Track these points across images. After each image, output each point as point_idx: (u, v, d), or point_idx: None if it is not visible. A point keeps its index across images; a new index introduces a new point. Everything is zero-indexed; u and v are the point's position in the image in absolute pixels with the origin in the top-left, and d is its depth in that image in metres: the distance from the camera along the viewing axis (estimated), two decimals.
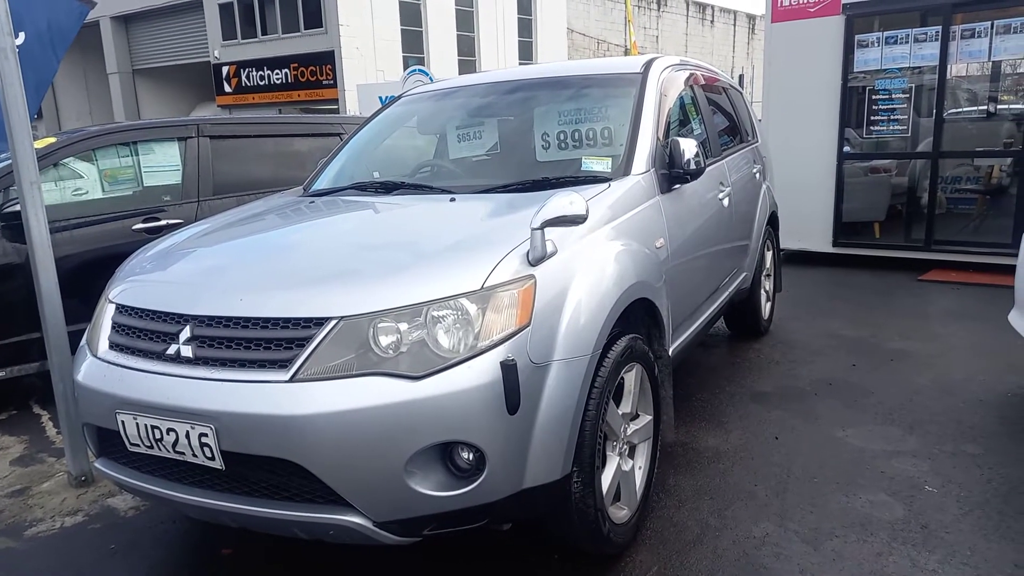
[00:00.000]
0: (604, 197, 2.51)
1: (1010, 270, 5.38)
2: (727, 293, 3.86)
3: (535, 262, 2.01)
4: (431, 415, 1.80)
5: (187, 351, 1.95)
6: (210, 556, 2.54)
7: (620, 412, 2.36)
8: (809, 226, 6.87)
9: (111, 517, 2.81)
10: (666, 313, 2.70)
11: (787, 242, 6.61)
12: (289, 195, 3.22)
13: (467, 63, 21.58)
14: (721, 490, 2.77)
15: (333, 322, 1.85)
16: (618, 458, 2.35)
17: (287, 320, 1.88)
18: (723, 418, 3.45)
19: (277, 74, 19.21)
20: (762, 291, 4.64)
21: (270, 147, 4.99)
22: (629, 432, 2.43)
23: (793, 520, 2.53)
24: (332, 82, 18.40)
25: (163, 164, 4.55)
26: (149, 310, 2.10)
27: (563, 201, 2.02)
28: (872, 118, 6.64)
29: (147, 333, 2.07)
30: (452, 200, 2.59)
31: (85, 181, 4.36)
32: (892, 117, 6.55)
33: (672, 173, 2.89)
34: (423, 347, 1.84)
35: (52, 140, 4.27)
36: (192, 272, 2.27)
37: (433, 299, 1.87)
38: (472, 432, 1.83)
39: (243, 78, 19.94)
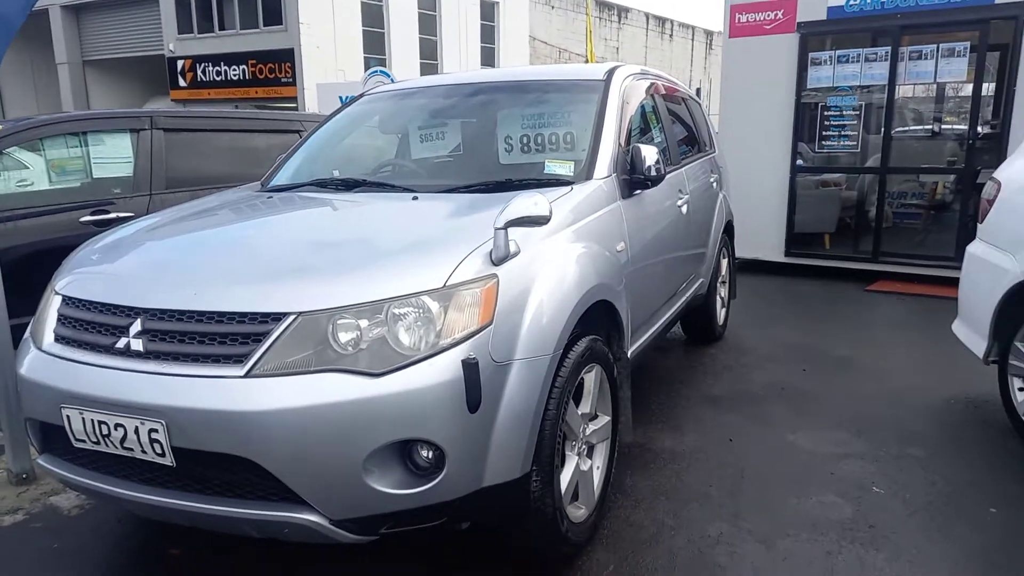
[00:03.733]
0: (567, 200, 2.52)
1: (952, 282, 5.58)
2: (684, 298, 3.92)
3: (498, 261, 2.01)
4: (390, 412, 1.78)
5: (137, 345, 1.90)
6: (158, 556, 2.46)
7: (579, 412, 2.37)
8: (762, 236, 7.03)
9: (54, 516, 2.70)
10: (625, 315, 2.73)
11: (741, 251, 6.73)
12: (245, 190, 3.16)
13: (429, 66, 21.52)
14: (677, 490, 2.81)
15: (291, 317, 1.82)
16: (577, 458, 2.36)
17: (243, 315, 1.84)
18: (678, 420, 3.49)
19: (234, 70, 18.84)
20: (717, 297, 4.73)
21: (226, 142, 4.89)
22: (588, 432, 2.44)
23: (746, 520, 2.58)
24: (291, 80, 18.14)
25: (114, 156, 4.41)
26: (98, 302, 2.03)
27: (527, 202, 2.02)
28: (824, 133, 6.84)
29: (95, 326, 2.01)
30: (415, 199, 2.58)
31: (31, 171, 4.21)
32: (843, 133, 6.75)
33: (633, 179, 2.92)
34: (383, 344, 1.83)
35: None
36: (144, 264, 2.21)
37: (394, 296, 1.85)
38: (432, 430, 1.82)
39: (199, 73, 19.51)
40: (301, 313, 1.82)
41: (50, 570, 2.38)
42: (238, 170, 4.77)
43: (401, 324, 1.85)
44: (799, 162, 6.95)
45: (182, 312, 1.89)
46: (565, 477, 2.27)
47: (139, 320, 1.92)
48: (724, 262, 4.90)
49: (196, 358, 1.84)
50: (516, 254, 2.08)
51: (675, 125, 4.11)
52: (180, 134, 4.62)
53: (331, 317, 1.82)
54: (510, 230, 2.04)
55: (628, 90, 3.35)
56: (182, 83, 19.92)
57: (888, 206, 6.84)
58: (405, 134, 3.64)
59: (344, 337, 1.82)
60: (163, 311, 1.91)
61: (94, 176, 4.33)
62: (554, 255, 2.26)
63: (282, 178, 3.29)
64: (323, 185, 3.01)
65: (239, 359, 1.80)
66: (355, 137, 3.69)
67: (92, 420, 1.88)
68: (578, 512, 2.37)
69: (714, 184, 4.54)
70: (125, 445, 1.86)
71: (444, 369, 1.82)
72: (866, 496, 2.75)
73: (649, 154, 2.90)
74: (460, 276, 1.92)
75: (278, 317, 1.82)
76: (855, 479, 2.89)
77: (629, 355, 2.85)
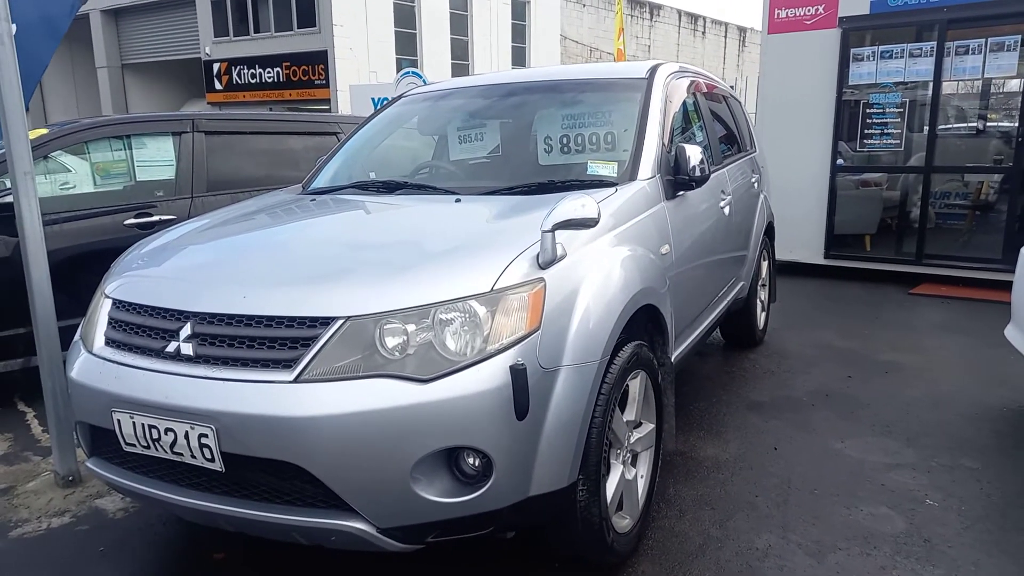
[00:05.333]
0: (611, 202, 2.48)
1: (999, 285, 5.40)
2: (725, 302, 3.85)
3: (545, 265, 1.97)
4: (438, 419, 1.76)
5: (187, 349, 1.90)
6: (202, 560, 2.47)
7: (624, 420, 2.33)
8: (801, 238, 6.89)
9: (100, 518, 2.73)
10: (670, 320, 2.68)
11: (779, 253, 6.59)
12: (288, 193, 3.17)
13: (460, 67, 21.57)
14: (722, 500, 2.75)
15: (340, 322, 1.80)
16: (622, 466, 2.32)
17: (292, 319, 1.84)
18: (721, 428, 3.43)
19: (269, 72, 19.08)
20: (758, 301, 4.64)
21: (266, 144, 4.93)
22: (632, 440, 2.40)
23: (795, 532, 2.51)
24: (324, 82, 18.31)
25: (156, 159, 4.48)
26: (148, 306, 2.05)
27: (575, 204, 1.99)
28: (865, 132, 6.68)
29: (145, 329, 2.02)
30: (457, 201, 2.56)
31: (76, 174, 4.29)
32: (885, 131, 6.59)
33: (677, 179, 2.87)
34: (430, 349, 1.80)
35: (44, 132, 4.19)
36: (192, 268, 2.22)
37: (441, 300, 1.83)
38: (479, 437, 1.79)
39: (234, 75, 19.79)
40: (350, 317, 1.81)
41: (96, 572, 2.40)
42: (277, 172, 4.81)
43: (448, 329, 1.82)
44: (840, 161, 6.80)
45: (231, 316, 1.89)
46: (611, 486, 2.23)
47: (189, 324, 1.92)
48: (764, 264, 4.81)
49: (246, 362, 1.84)
50: (563, 257, 2.05)
51: (716, 124, 4.03)
52: (220, 137, 4.67)
53: (378, 321, 1.81)
54: (556, 233, 2.01)
55: (670, 88, 3.29)
56: (218, 86, 20.22)
57: (931, 206, 6.66)
58: (444, 136, 3.63)
59: (391, 342, 1.80)
60: (212, 315, 1.91)
61: (137, 179, 4.40)
62: (600, 258, 2.22)
63: (323, 181, 3.29)
64: (364, 187, 3.01)
65: (288, 364, 1.80)
66: (393, 139, 3.69)
67: (143, 424, 1.89)
68: (623, 522, 2.33)
69: (755, 184, 4.46)
70: (175, 450, 1.86)
71: (492, 375, 1.79)
72: (919, 508, 2.66)
73: (694, 154, 2.84)
74: (507, 280, 1.89)
75: (326, 321, 1.81)
76: (907, 490, 2.80)
77: (673, 360, 2.80)
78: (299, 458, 1.74)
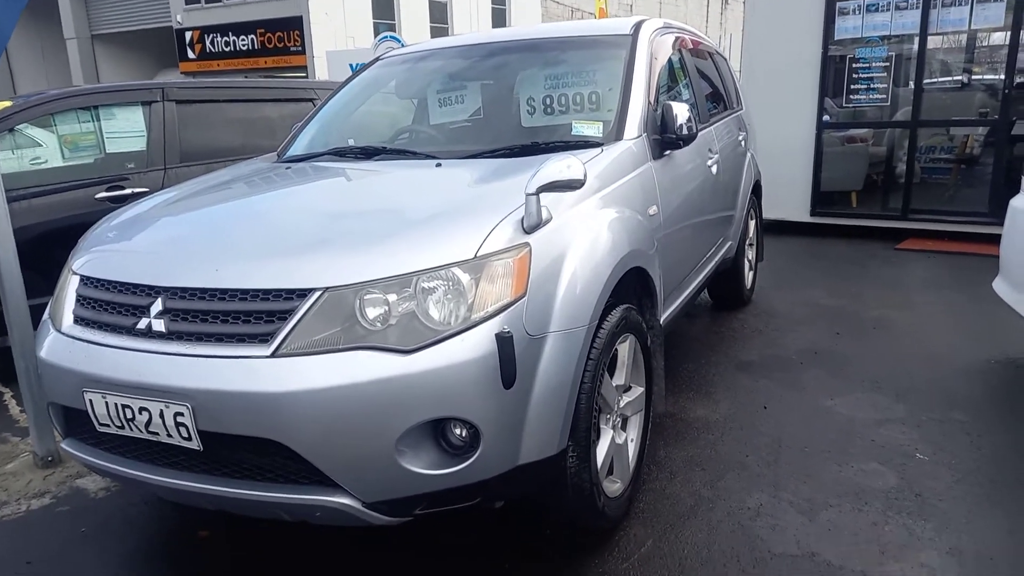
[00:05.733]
0: (597, 163, 2.41)
1: (985, 239, 5.40)
2: (714, 262, 3.80)
3: (530, 229, 1.91)
4: (423, 390, 1.71)
5: (159, 325, 1.83)
6: (186, 539, 2.43)
7: (614, 384, 2.29)
8: (787, 195, 6.84)
9: (81, 499, 2.68)
10: (659, 282, 2.62)
11: (765, 211, 6.53)
12: (262, 161, 3.07)
13: (439, 30, 21.13)
14: (712, 461, 2.73)
15: (317, 293, 1.73)
16: (612, 431, 2.29)
17: (267, 292, 1.76)
18: (710, 388, 3.41)
19: (243, 40, 18.58)
20: (745, 260, 4.60)
21: (240, 112, 4.79)
22: (622, 404, 2.37)
23: (787, 491, 2.50)
24: (300, 48, 17.88)
25: (126, 130, 4.33)
26: (116, 282, 1.96)
27: (560, 165, 1.92)
28: (851, 87, 6.61)
29: (115, 306, 1.94)
30: (438, 165, 2.47)
31: (44, 148, 4.14)
32: (871, 86, 6.52)
33: (665, 138, 2.80)
34: (413, 319, 1.74)
35: (7, 104, 4.03)
36: (162, 241, 2.13)
37: (423, 269, 1.76)
38: (466, 408, 1.74)
39: (207, 44, 19.27)
40: (327, 289, 1.74)
41: (79, 555, 2.36)
42: (253, 141, 4.68)
43: (431, 298, 1.76)
44: (825, 118, 6.73)
45: (204, 290, 1.82)
46: (601, 451, 2.20)
47: (160, 299, 1.85)
48: (752, 223, 4.76)
49: (220, 338, 1.77)
50: (548, 221, 1.98)
51: (702, 81, 3.94)
52: (193, 106, 4.53)
53: (358, 292, 1.74)
54: (541, 196, 1.94)
55: (656, 45, 3.20)
56: (191, 55, 19.72)
57: (917, 161, 6.62)
58: (423, 99, 3.52)
59: (372, 313, 1.74)
60: (184, 289, 1.84)
61: (107, 151, 4.26)
62: (586, 221, 2.16)
63: (299, 148, 3.19)
64: (342, 154, 2.91)
65: (265, 338, 1.73)
66: (372, 103, 3.57)
67: (116, 404, 1.82)
68: (614, 486, 2.30)
69: (742, 143, 4.39)
70: (150, 429, 1.80)
71: (477, 344, 1.74)
72: (910, 463, 2.66)
73: (681, 112, 2.77)
74: (491, 246, 1.83)
75: (303, 293, 1.74)
76: (897, 445, 2.79)
77: (662, 323, 2.76)
78: (279, 435, 1.68)
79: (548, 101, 3.04)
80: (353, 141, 3.18)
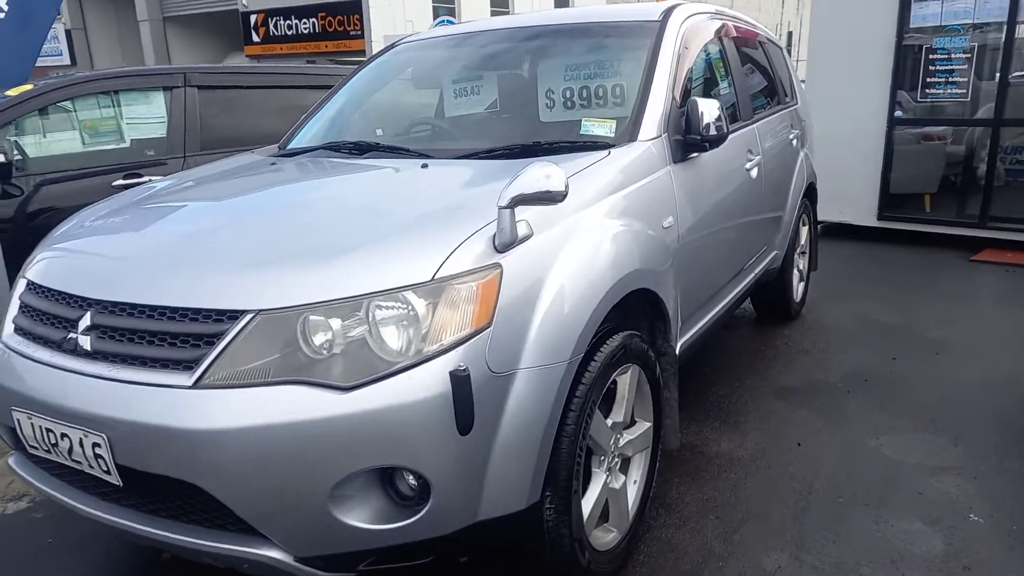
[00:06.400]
0: (601, 167, 2.12)
1: None
2: (753, 274, 3.45)
3: (502, 248, 1.65)
4: (362, 434, 1.48)
5: (85, 342, 1.65)
6: (151, 559, 2.28)
7: (610, 422, 2.02)
8: (851, 196, 6.34)
9: (57, 506, 2.56)
10: (673, 304, 2.32)
11: (826, 214, 6.10)
12: (258, 154, 2.88)
13: (500, 14, 20.84)
14: (730, 507, 2.42)
15: (249, 316, 1.52)
16: (606, 475, 2.01)
17: (196, 311, 1.56)
18: (740, 417, 3.07)
19: (304, 24, 18.70)
20: (795, 271, 4.21)
21: (266, 99, 4.63)
22: (621, 443, 2.09)
23: (811, 551, 2.18)
24: (359, 32, 17.86)
25: (147, 116, 4.24)
26: (53, 290, 1.80)
27: (537, 174, 1.64)
28: (928, 80, 6.04)
29: (49, 318, 1.77)
30: (424, 166, 2.22)
31: (63, 133, 4.08)
32: (950, 79, 5.94)
33: (688, 140, 2.48)
34: (356, 351, 1.51)
35: (28, 87, 3.99)
36: (108, 247, 1.94)
37: (371, 292, 1.53)
38: (413, 456, 1.50)
39: (271, 27, 19.49)
40: (261, 311, 1.52)
41: (35, 566, 2.23)
42: (278, 129, 4.52)
43: (377, 327, 1.52)
44: (898, 113, 6.18)
45: (132, 306, 1.62)
46: (589, 501, 1.93)
47: (89, 313, 1.67)
48: (804, 230, 4.36)
49: (144, 362, 1.57)
50: (527, 237, 1.72)
51: (749, 74, 3.57)
52: (216, 91, 4.40)
53: (296, 316, 1.51)
54: (520, 208, 1.67)
55: (689, 33, 2.87)
56: (255, 38, 19.99)
57: (1000, 163, 6.01)
58: (440, 89, 3.28)
59: (310, 341, 1.51)
60: (113, 304, 1.65)
61: (127, 137, 4.17)
62: (580, 236, 1.88)
63: (298, 140, 3.01)
64: (336, 149, 2.70)
65: (189, 365, 1.53)
66: (385, 94, 3.35)
67: (40, 427, 1.66)
68: (607, 537, 2.03)
69: (794, 141, 3.99)
70: (73, 457, 1.63)
71: (428, 382, 1.49)
72: (961, 525, 2.29)
73: (708, 110, 2.44)
74: (453, 267, 1.57)
75: (234, 315, 1.53)
76: (949, 501, 2.42)
77: (678, 349, 2.45)
78: (196, 477, 1.48)
79: (568, 94, 2.76)
80: (381, 131, 2.99)
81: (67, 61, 24.43)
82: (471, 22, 3.63)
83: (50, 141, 4.02)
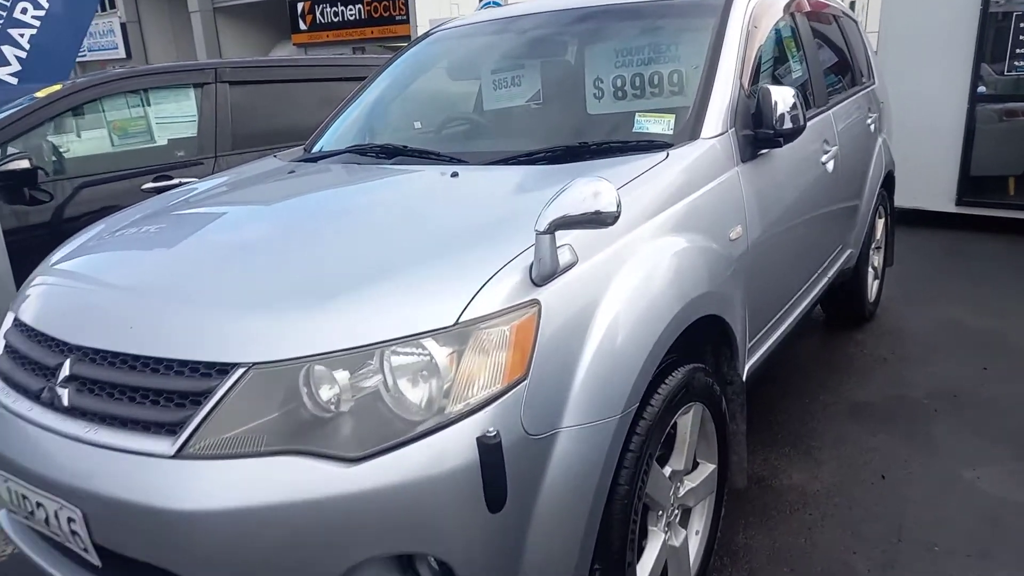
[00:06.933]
0: (658, 173, 1.82)
1: None
2: (827, 278, 3.09)
3: (540, 281, 1.37)
4: (374, 516, 1.24)
5: (64, 395, 1.44)
6: None
7: (668, 471, 1.74)
8: (927, 180, 5.83)
9: None
10: (741, 327, 2.02)
11: (899, 199, 5.59)
12: (279, 159, 2.65)
13: None
14: (804, 557, 2.12)
15: (240, 370, 1.28)
16: (664, 533, 1.74)
17: (180, 363, 1.33)
18: (812, 442, 2.74)
19: (350, 10, 18.56)
20: (869, 268, 3.82)
21: (302, 93, 4.42)
22: (682, 493, 1.81)
23: None
24: (405, 17, 17.63)
25: (176, 115, 4.08)
26: (36, 331, 1.59)
27: (583, 191, 1.36)
28: (1016, 51, 5.48)
29: (30, 363, 1.57)
30: (454, 175, 1.95)
31: (93, 133, 3.96)
32: None
33: (759, 134, 2.15)
34: (364, 412, 1.27)
35: (57, 88, 3.86)
36: (93, 279, 1.73)
37: (381, 341, 1.28)
38: (434, 540, 1.26)
39: (317, 15, 19.43)
40: (254, 365, 1.28)
41: None
42: (317, 124, 4.33)
43: (391, 384, 1.27)
44: (981, 88, 5.63)
45: (115, 354, 1.41)
46: (646, 567, 1.66)
47: (68, 361, 1.46)
48: (880, 223, 3.96)
49: (123, 423, 1.36)
50: (571, 266, 1.44)
51: (822, 53, 3.19)
52: (249, 87, 4.21)
53: (294, 372, 1.28)
54: (564, 231, 1.40)
55: (757, 11, 2.52)
56: (302, 26, 19.97)
57: None
58: (480, 80, 3.00)
59: (310, 403, 1.27)
60: (95, 351, 1.44)
61: (156, 137, 4.03)
62: (634, 260, 1.59)
63: (326, 142, 2.78)
64: (362, 152, 2.45)
65: (172, 428, 1.30)
66: (420, 87, 3.09)
67: (16, 492, 1.47)
68: None
69: (871, 126, 3.59)
70: (51, 529, 1.43)
71: (451, 452, 1.24)
72: None
73: (783, 98, 2.11)
74: (482, 307, 1.31)
75: (224, 369, 1.30)
76: None
77: (745, 375, 2.15)
78: (179, 566, 1.26)
79: (619, 83, 2.45)
80: (420, 124, 2.75)
81: (123, 55, 24.96)
82: (514, 5, 3.33)
83: (79, 143, 3.90)
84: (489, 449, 1.24)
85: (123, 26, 25.11)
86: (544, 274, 1.37)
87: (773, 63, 2.67)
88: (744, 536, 2.22)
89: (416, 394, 1.28)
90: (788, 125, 2.11)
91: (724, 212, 1.98)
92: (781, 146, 2.18)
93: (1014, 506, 2.30)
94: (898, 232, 5.19)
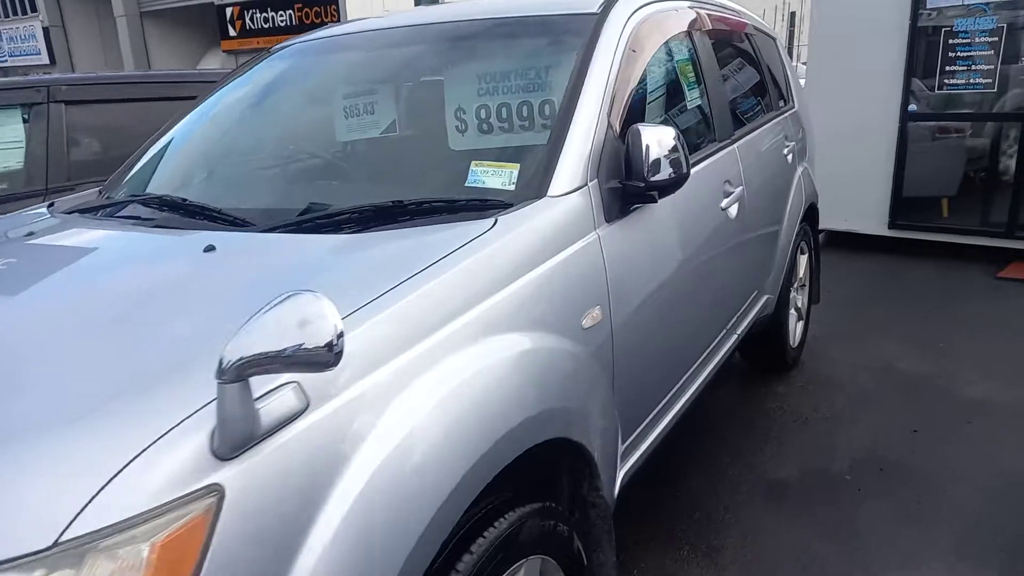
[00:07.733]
0: (472, 252, 1.35)
1: None
2: (737, 334, 2.69)
3: (226, 452, 0.89)
4: None
5: None
6: None
7: None
8: (859, 202, 5.57)
9: None
10: (604, 440, 1.57)
11: (831, 222, 5.35)
12: (55, 208, 2.10)
13: None
14: None
15: None
16: None
17: None
18: (717, 537, 2.32)
19: (281, 16, 17.81)
20: (791, 311, 3.44)
21: (155, 114, 3.86)
22: None
23: None
24: (337, 23, 17.04)
25: (1, 140, 3.49)
26: None
27: (285, 317, 0.88)
28: (947, 68, 5.23)
29: None
30: (208, 250, 1.44)
31: None
32: (974, 67, 5.13)
33: (628, 187, 1.71)
34: None
35: None
36: None
37: None
38: None
39: (247, 21, 18.64)
40: None
41: None
42: None
43: None
44: (912, 106, 5.38)
45: None
46: None
47: None
48: (803, 259, 3.59)
49: None
50: (296, 416, 0.96)
51: (730, 79, 2.80)
52: (90, 107, 3.64)
53: None
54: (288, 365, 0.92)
55: (641, 31, 2.10)
56: (232, 32, 19.17)
57: None
58: (331, 107, 2.51)
59: None
60: None
61: None
62: (420, 385, 1.12)
63: (127, 182, 2.26)
64: (145, 203, 1.93)
65: None
66: (254, 115, 2.57)
67: None
68: None
69: (789, 156, 3.21)
70: None
71: None
72: None
73: (658, 140, 1.68)
74: (106, 512, 0.82)
75: None
76: None
77: (616, 489, 1.70)
78: None
79: (483, 113, 2.01)
80: (231, 164, 2.25)
81: (46, 60, 23.68)
82: (373, 18, 2.86)
83: None
84: None
85: (46, 30, 23.87)
86: (232, 441, 0.89)
87: (662, 95, 2.24)
88: None
89: None
90: (663, 176, 1.67)
91: (574, 294, 1.52)
92: (656, 200, 1.74)
93: None
94: (829, 258, 4.89)
